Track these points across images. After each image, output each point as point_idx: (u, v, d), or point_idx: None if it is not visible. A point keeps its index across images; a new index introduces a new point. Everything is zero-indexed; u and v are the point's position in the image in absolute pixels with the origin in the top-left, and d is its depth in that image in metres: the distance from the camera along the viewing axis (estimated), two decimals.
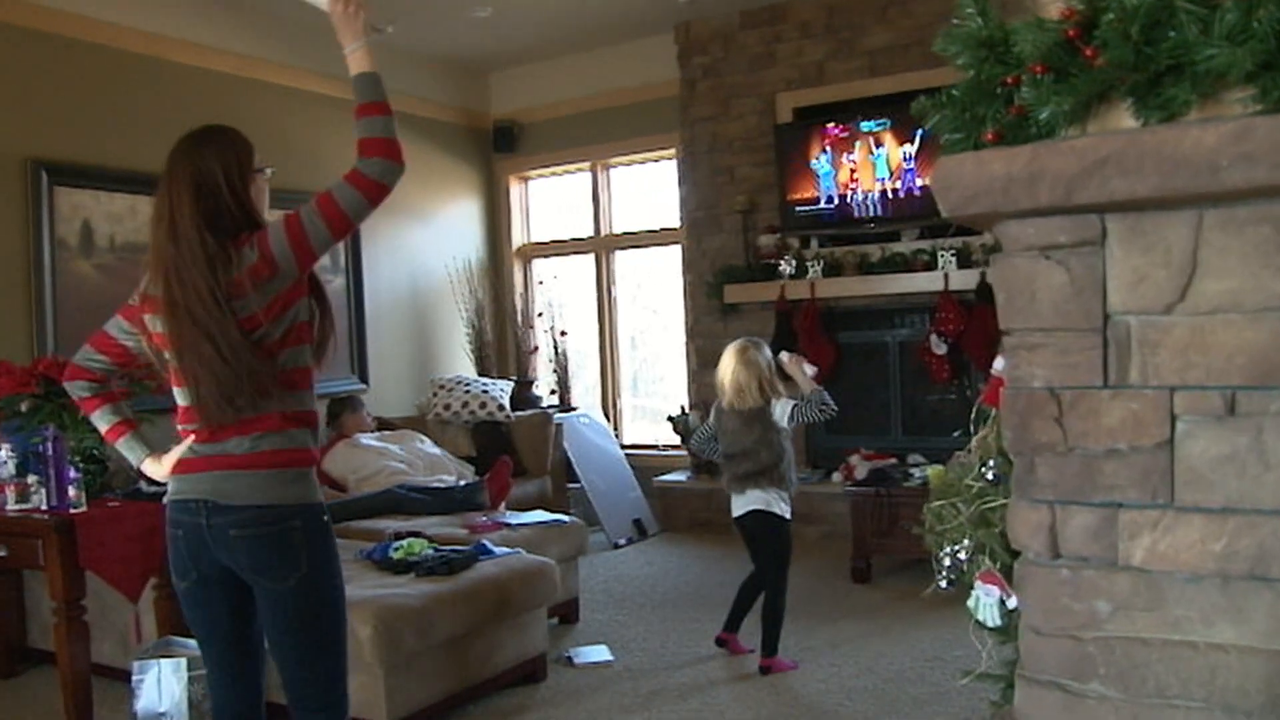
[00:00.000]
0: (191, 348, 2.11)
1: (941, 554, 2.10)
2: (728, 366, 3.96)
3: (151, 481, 3.63)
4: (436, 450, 5.94)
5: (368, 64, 2.22)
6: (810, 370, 4.01)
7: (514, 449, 6.29)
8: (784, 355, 4.07)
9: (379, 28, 2.28)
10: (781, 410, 3.89)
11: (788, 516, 3.97)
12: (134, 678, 3.00)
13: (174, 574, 2.26)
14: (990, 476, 1.99)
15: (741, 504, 3.97)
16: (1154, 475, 1.27)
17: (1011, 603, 1.89)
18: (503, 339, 7.61)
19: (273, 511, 2.14)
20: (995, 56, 1.39)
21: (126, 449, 2.38)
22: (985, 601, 1.93)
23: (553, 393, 7.34)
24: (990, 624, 1.92)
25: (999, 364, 1.94)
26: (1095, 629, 1.35)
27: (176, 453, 2.24)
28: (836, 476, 5.93)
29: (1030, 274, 1.32)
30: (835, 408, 3.93)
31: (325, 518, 2.25)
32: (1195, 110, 1.19)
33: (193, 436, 2.20)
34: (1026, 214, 1.30)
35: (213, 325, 2.08)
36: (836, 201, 6.06)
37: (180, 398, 2.23)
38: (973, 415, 2.13)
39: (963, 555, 2.04)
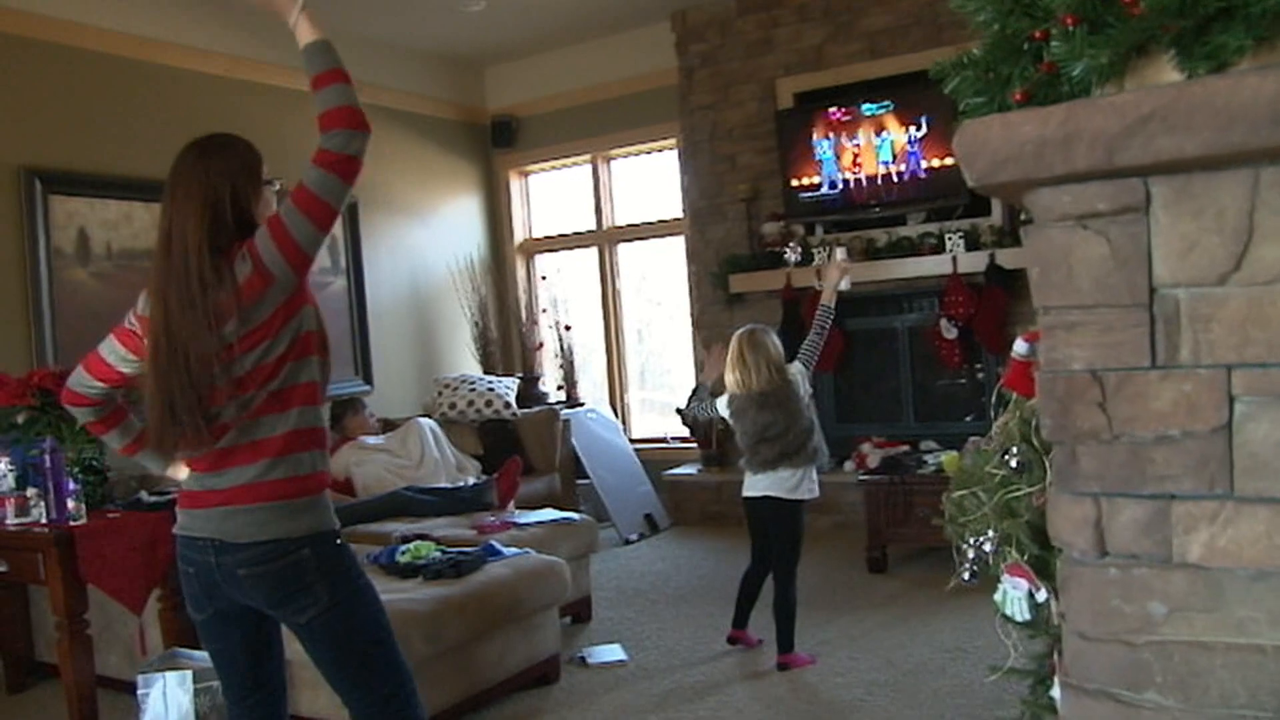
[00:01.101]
0: (167, 369, 2.00)
1: (964, 545, 2.02)
2: (736, 353, 3.89)
3: (155, 491, 3.60)
4: (445, 446, 5.86)
5: (314, 32, 2.10)
6: (846, 284, 3.99)
7: (521, 447, 6.22)
8: (839, 251, 4.01)
9: None
10: (800, 378, 3.84)
11: (816, 494, 3.90)
12: (139, 691, 2.94)
13: (190, 607, 2.18)
14: (1014, 464, 1.91)
15: (763, 484, 3.85)
16: (1211, 463, 1.16)
17: (1041, 596, 1.81)
18: (507, 336, 7.54)
19: (279, 546, 2.03)
20: (1021, 9, 1.29)
21: (148, 461, 2.27)
22: (1013, 595, 1.85)
23: (559, 388, 7.27)
24: (1019, 619, 1.84)
25: (1020, 346, 1.87)
26: (1149, 633, 1.24)
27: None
28: (849, 465, 5.87)
29: (1066, 246, 1.22)
30: (832, 317, 3.96)
31: (339, 541, 2.14)
32: (1248, 58, 1.08)
33: (191, 464, 2.12)
34: (1061, 180, 1.19)
35: (189, 340, 1.97)
36: (840, 186, 5.98)
37: (122, 363, 2.15)
38: (992, 400, 2.06)
39: (988, 547, 1.96)
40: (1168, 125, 1.05)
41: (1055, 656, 1.87)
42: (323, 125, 2.01)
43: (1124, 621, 1.26)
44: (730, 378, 3.90)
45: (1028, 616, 1.83)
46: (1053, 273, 1.24)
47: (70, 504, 3.16)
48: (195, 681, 2.94)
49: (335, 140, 1.99)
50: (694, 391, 4.20)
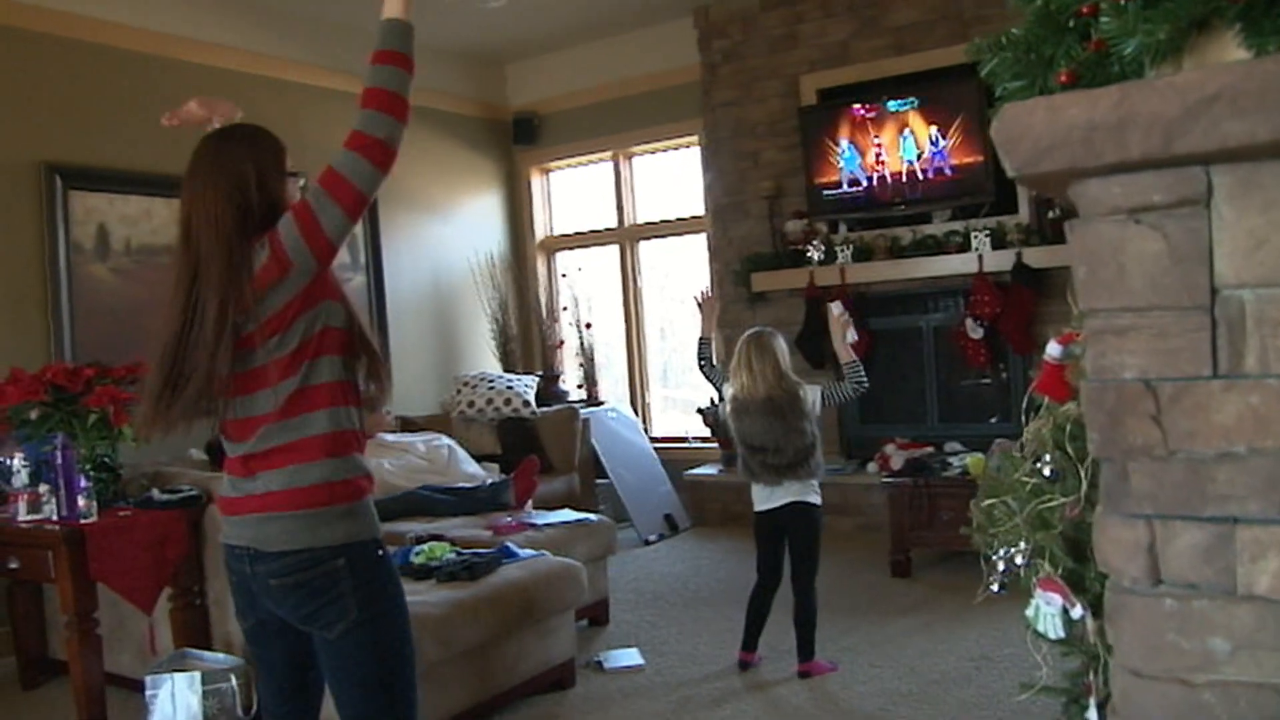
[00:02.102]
0: (174, 345, 1.93)
1: (995, 557, 1.94)
2: (742, 357, 3.81)
3: (167, 489, 3.55)
4: (458, 451, 5.81)
5: (403, 10, 1.99)
6: (852, 337, 3.85)
7: (540, 446, 6.16)
8: (834, 307, 3.91)
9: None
10: (812, 396, 3.75)
11: (820, 503, 3.82)
12: (147, 693, 2.89)
13: (236, 614, 2.11)
14: (1047, 473, 1.83)
15: (775, 496, 3.77)
16: None
17: (1076, 613, 1.73)
18: (527, 334, 7.48)
19: (312, 555, 1.92)
20: None
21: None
22: (1046, 611, 1.76)
23: (580, 387, 7.21)
24: (1052, 636, 1.76)
25: (1053, 348, 1.79)
26: (1211, 671, 1.13)
27: None
28: (871, 467, 5.77)
29: (1117, 242, 1.11)
30: (868, 383, 3.82)
31: (380, 552, 2.02)
32: None
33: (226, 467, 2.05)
34: (1112, 169, 1.09)
35: (201, 339, 1.89)
36: (864, 184, 5.89)
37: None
38: (1024, 404, 1.97)
39: (1019, 559, 1.88)
40: (1236, 108, 0.95)
41: (1091, 675, 1.79)
42: (365, 102, 1.93)
43: (1181, 658, 1.15)
44: (734, 381, 3.83)
45: (1061, 634, 1.75)
46: (1101, 271, 1.13)
47: (81, 501, 3.12)
48: (204, 683, 2.89)
49: (377, 125, 1.91)
50: (699, 348, 4.15)
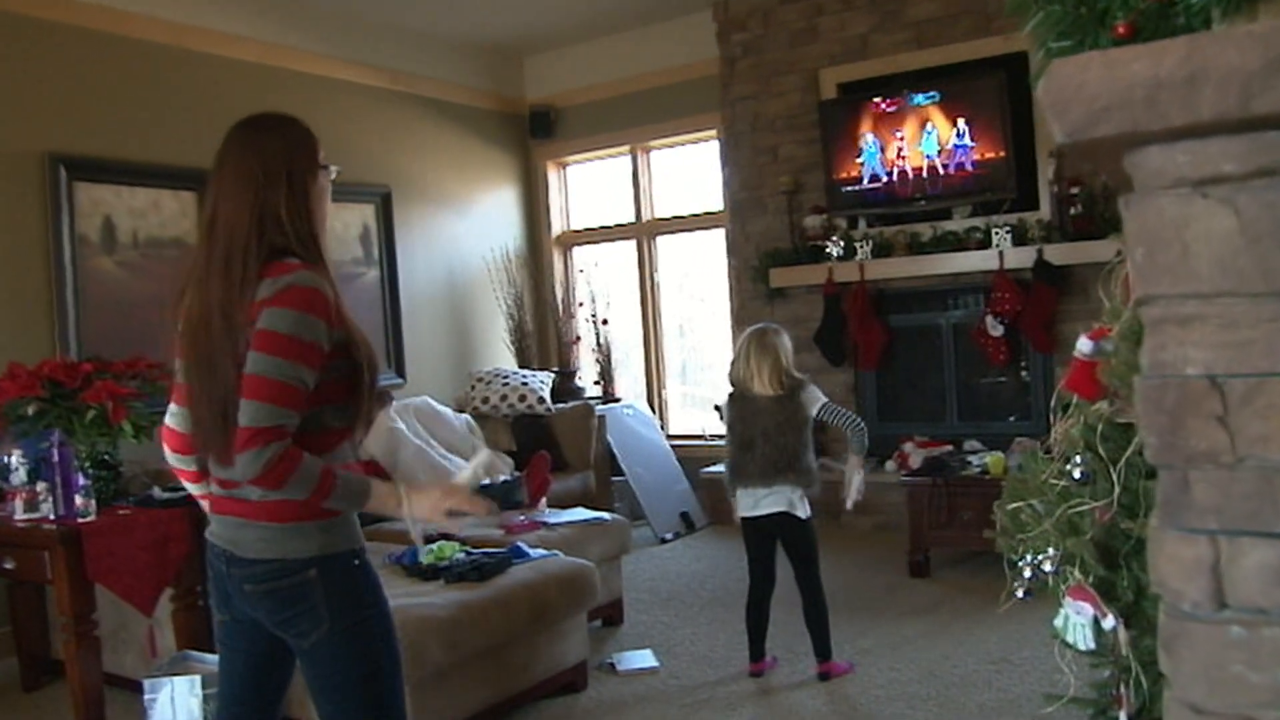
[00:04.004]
0: (200, 366, 1.89)
1: (1021, 563, 1.83)
2: (743, 350, 3.71)
3: (169, 487, 3.47)
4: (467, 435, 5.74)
5: (377, 498, 1.91)
6: (857, 481, 3.70)
7: (555, 443, 6.08)
8: (855, 466, 3.74)
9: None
10: (811, 400, 3.63)
11: (810, 514, 3.68)
12: (145, 697, 2.80)
13: (212, 606, 2.07)
14: (1077, 475, 1.73)
15: (761, 502, 3.65)
16: None
17: (1108, 624, 1.63)
18: (543, 329, 7.40)
19: (283, 566, 1.88)
20: None
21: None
22: (1076, 621, 1.66)
23: (596, 384, 7.12)
24: (1082, 647, 1.66)
25: (1084, 344, 1.68)
26: None
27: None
28: (890, 465, 5.68)
29: (1181, 219, 0.98)
30: (868, 442, 3.71)
31: (356, 562, 1.96)
32: None
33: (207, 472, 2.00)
34: (1177, 135, 0.96)
35: (215, 348, 1.85)
36: (884, 180, 5.78)
37: (179, 420, 2.02)
38: (1052, 403, 1.87)
39: (1047, 566, 1.77)
40: None
41: (1122, 688, 1.69)
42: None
43: (1250, 694, 1.01)
44: (731, 374, 3.75)
45: (1092, 646, 1.65)
46: (1162, 253, 1.00)
47: (79, 500, 3.03)
48: (205, 687, 2.80)
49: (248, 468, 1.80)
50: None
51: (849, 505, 3.73)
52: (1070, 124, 1.00)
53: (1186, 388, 1.01)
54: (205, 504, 2.07)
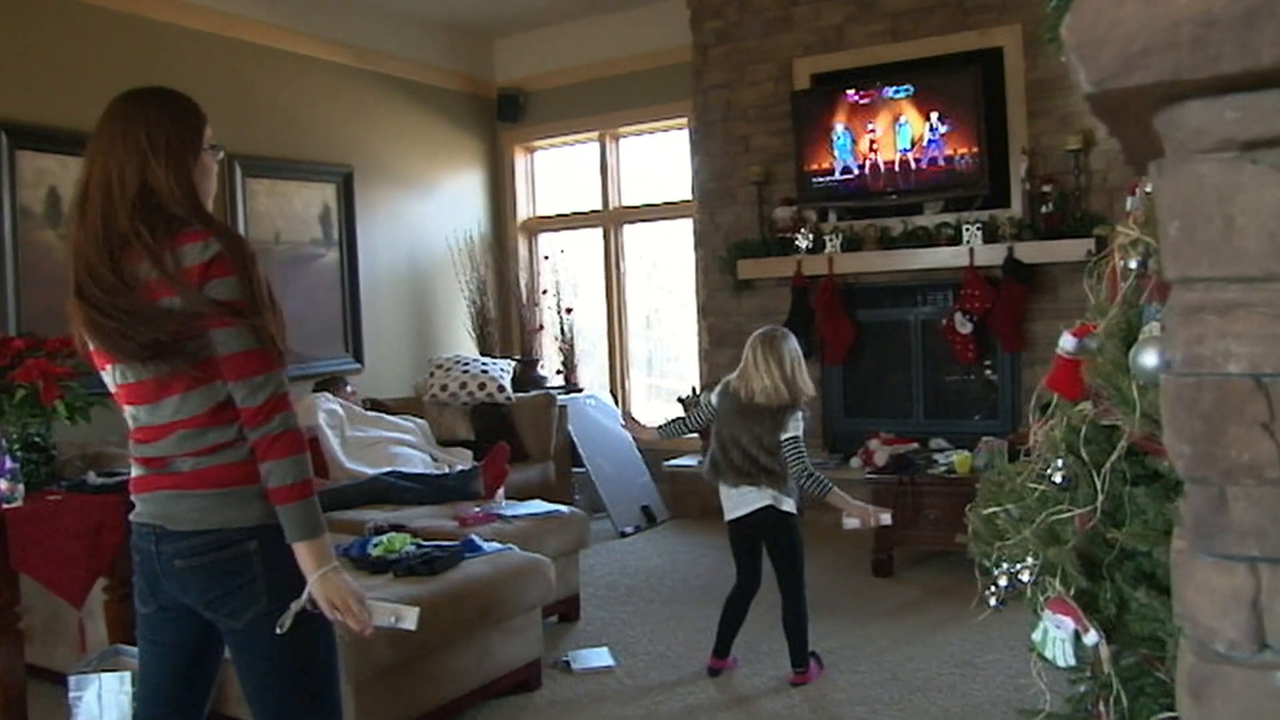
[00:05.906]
0: (94, 322, 1.83)
1: (997, 571, 1.75)
2: (749, 353, 3.61)
3: (104, 472, 3.32)
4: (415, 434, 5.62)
5: (320, 542, 1.84)
6: (854, 522, 3.59)
7: (515, 432, 5.96)
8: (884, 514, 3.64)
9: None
10: (789, 426, 3.53)
11: (795, 511, 3.61)
12: (71, 694, 2.67)
13: (136, 599, 1.96)
14: (1058, 479, 1.65)
15: (746, 501, 3.58)
16: None
17: (1090, 639, 1.54)
18: (506, 317, 7.28)
19: (221, 536, 1.80)
20: None
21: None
22: (1055, 636, 1.58)
23: (559, 373, 7.00)
24: (1061, 663, 1.57)
25: (1067, 341, 1.61)
26: None
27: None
28: (855, 462, 5.61)
29: (1224, 188, 0.83)
30: (821, 488, 3.55)
31: None
32: None
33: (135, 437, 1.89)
34: (1226, 85, 0.81)
35: (106, 301, 1.80)
36: (855, 173, 5.71)
37: (108, 377, 1.92)
38: (1031, 403, 1.79)
39: (1025, 576, 1.69)
40: None
41: (1101, 705, 1.62)
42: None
43: None
44: (734, 373, 3.66)
45: (1072, 661, 1.56)
46: (1201, 228, 0.85)
47: (4, 484, 2.85)
48: (134, 683, 2.67)
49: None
50: (698, 407, 3.91)
51: (846, 528, 3.65)
52: (1099, 70, 0.84)
53: (1227, 388, 0.87)
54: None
